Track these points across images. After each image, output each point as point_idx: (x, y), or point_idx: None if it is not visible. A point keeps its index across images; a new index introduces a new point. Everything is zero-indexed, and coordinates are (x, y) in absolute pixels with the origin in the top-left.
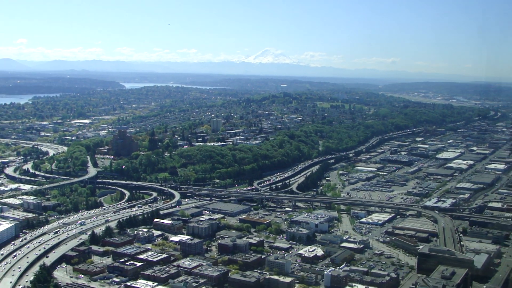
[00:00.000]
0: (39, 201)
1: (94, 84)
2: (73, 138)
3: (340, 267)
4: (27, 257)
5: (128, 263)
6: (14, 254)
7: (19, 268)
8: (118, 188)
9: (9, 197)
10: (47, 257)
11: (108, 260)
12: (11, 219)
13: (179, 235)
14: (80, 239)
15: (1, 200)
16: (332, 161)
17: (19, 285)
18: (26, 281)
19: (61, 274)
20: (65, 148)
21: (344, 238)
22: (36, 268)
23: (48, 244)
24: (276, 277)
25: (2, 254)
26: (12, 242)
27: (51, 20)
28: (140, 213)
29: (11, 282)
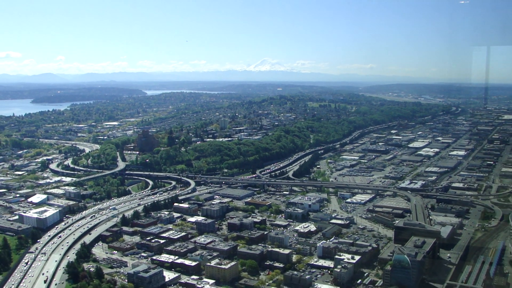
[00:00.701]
0: (78, 190)
1: (121, 92)
2: (105, 137)
3: (330, 240)
4: (70, 237)
5: (153, 241)
6: (59, 235)
7: (64, 246)
8: (143, 179)
9: (54, 188)
10: (88, 236)
11: (136, 239)
12: (56, 206)
13: (195, 216)
14: (113, 221)
15: (47, 191)
16: (321, 151)
17: (65, 260)
18: (70, 257)
19: (98, 251)
20: (98, 146)
21: (333, 215)
22: (78, 246)
23: (87, 226)
24: (276, 249)
25: (49, 235)
26: (57, 225)
27: (84, 40)
28: (162, 199)
29: (58, 257)
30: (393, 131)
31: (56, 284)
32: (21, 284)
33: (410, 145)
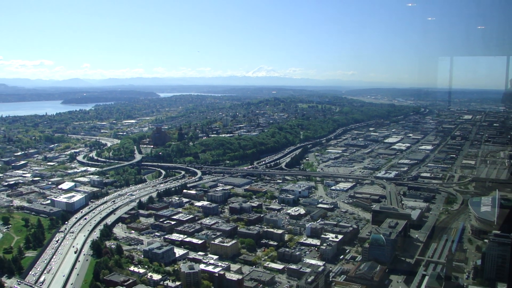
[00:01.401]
0: (101, 179)
1: (138, 95)
2: (124, 133)
3: (317, 221)
4: (94, 219)
5: (165, 222)
6: (85, 217)
7: (89, 226)
8: (157, 169)
9: (80, 176)
10: (110, 217)
11: (151, 220)
12: (82, 192)
13: (201, 201)
14: (131, 205)
15: (75, 179)
16: (310, 146)
17: (90, 238)
18: (94, 236)
19: (118, 231)
20: (118, 141)
21: (319, 201)
22: (101, 226)
23: (109, 210)
24: (271, 229)
25: (76, 217)
26: (83, 209)
27: (107, 50)
28: (173, 186)
29: (84, 236)
30: (371, 129)
31: (83, 258)
32: (53, 258)
33: (386, 141)
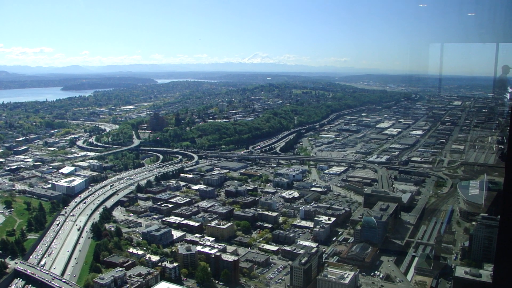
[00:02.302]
0: (100, 163)
1: (136, 81)
2: (122, 119)
3: (311, 204)
4: (94, 203)
5: (163, 205)
6: (85, 200)
7: (89, 209)
8: (154, 153)
9: (80, 161)
10: (109, 201)
11: (149, 203)
12: (82, 176)
13: (198, 185)
14: (130, 189)
15: (75, 163)
16: (303, 131)
17: (90, 221)
18: (94, 219)
19: (118, 213)
20: (117, 126)
21: (313, 184)
22: (100, 209)
23: (108, 193)
24: (266, 212)
25: (76, 201)
26: (83, 192)
27: (105, 37)
28: (170, 170)
29: (84, 219)
30: (363, 114)
31: (83, 240)
32: (55, 240)
33: (377, 126)
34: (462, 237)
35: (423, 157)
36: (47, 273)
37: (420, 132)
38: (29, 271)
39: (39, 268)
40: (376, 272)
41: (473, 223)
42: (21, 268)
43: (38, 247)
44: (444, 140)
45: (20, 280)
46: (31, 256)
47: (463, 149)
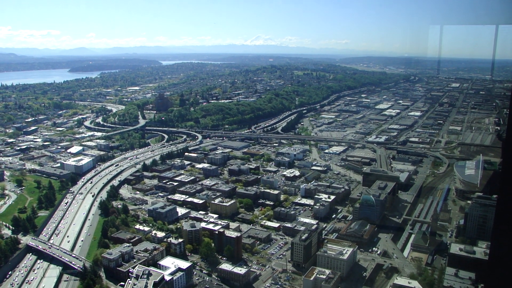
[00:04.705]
0: (107, 143)
1: (141, 63)
2: (128, 99)
3: (311, 183)
4: (102, 181)
5: (168, 183)
6: (93, 179)
7: (97, 187)
8: (159, 133)
9: (88, 141)
10: (116, 179)
11: (154, 181)
12: (89, 156)
13: (202, 164)
14: (136, 168)
15: (82, 143)
16: (304, 111)
17: (97, 199)
18: (102, 196)
19: (124, 191)
20: (123, 107)
21: (313, 163)
22: (108, 188)
23: (115, 172)
24: (268, 190)
25: (84, 180)
26: (91, 171)
27: (111, 19)
28: (175, 149)
29: (92, 196)
30: (363, 95)
31: (91, 217)
32: (64, 217)
33: (377, 107)
34: (458, 215)
35: (421, 138)
36: (58, 249)
37: (418, 113)
38: (40, 246)
39: (50, 244)
40: (374, 248)
41: (469, 202)
42: (33, 243)
43: (48, 223)
44: (441, 121)
45: (32, 255)
46: (42, 233)
47: (460, 130)
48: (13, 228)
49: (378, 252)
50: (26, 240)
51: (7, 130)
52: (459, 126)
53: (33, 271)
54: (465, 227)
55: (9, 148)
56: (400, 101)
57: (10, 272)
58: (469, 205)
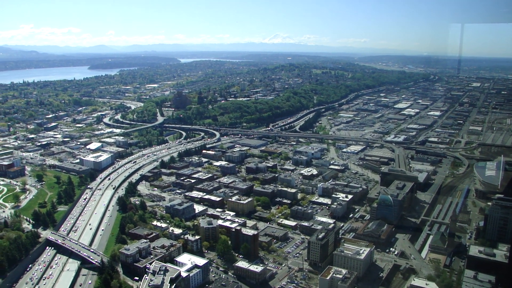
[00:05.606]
0: (126, 139)
1: (160, 60)
2: (147, 97)
3: (328, 181)
4: (120, 177)
5: (186, 180)
6: (111, 175)
7: (115, 183)
8: (177, 130)
9: (106, 137)
10: (134, 176)
11: (172, 178)
12: (108, 152)
13: (219, 161)
14: (154, 164)
15: (101, 139)
16: (323, 110)
17: (116, 195)
18: (120, 192)
19: (142, 188)
20: (142, 104)
21: (331, 162)
22: (126, 184)
23: (133, 168)
24: (285, 188)
25: (102, 176)
26: (109, 167)
27: (130, 17)
28: (193, 147)
29: (111, 192)
30: (382, 94)
31: (109, 213)
32: (83, 212)
33: (395, 106)
34: (477, 217)
35: (440, 138)
36: (76, 243)
37: (438, 113)
38: (59, 240)
39: (69, 238)
40: (391, 248)
41: (489, 203)
42: (52, 238)
43: (67, 218)
44: (461, 121)
45: (52, 248)
46: (61, 227)
47: (481, 130)
48: (34, 222)
49: (396, 253)
50: (46, 234)
51: (28, 126)
52: (480, 127)
53: (52, 266)
54: (485, 229)
55: (30, 144)
56: (420, 101)
57: (30, 265)
58: (490, 206)
